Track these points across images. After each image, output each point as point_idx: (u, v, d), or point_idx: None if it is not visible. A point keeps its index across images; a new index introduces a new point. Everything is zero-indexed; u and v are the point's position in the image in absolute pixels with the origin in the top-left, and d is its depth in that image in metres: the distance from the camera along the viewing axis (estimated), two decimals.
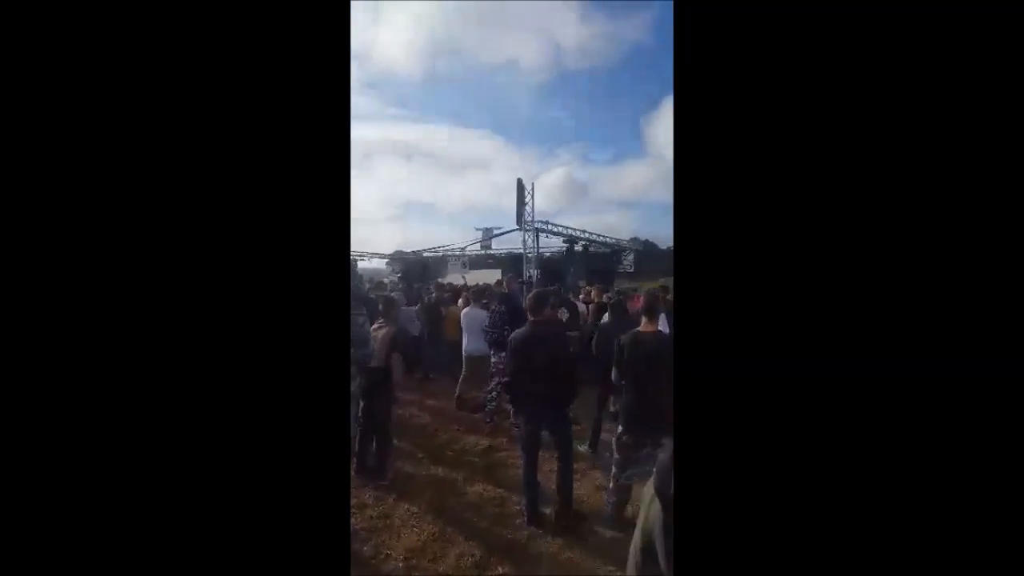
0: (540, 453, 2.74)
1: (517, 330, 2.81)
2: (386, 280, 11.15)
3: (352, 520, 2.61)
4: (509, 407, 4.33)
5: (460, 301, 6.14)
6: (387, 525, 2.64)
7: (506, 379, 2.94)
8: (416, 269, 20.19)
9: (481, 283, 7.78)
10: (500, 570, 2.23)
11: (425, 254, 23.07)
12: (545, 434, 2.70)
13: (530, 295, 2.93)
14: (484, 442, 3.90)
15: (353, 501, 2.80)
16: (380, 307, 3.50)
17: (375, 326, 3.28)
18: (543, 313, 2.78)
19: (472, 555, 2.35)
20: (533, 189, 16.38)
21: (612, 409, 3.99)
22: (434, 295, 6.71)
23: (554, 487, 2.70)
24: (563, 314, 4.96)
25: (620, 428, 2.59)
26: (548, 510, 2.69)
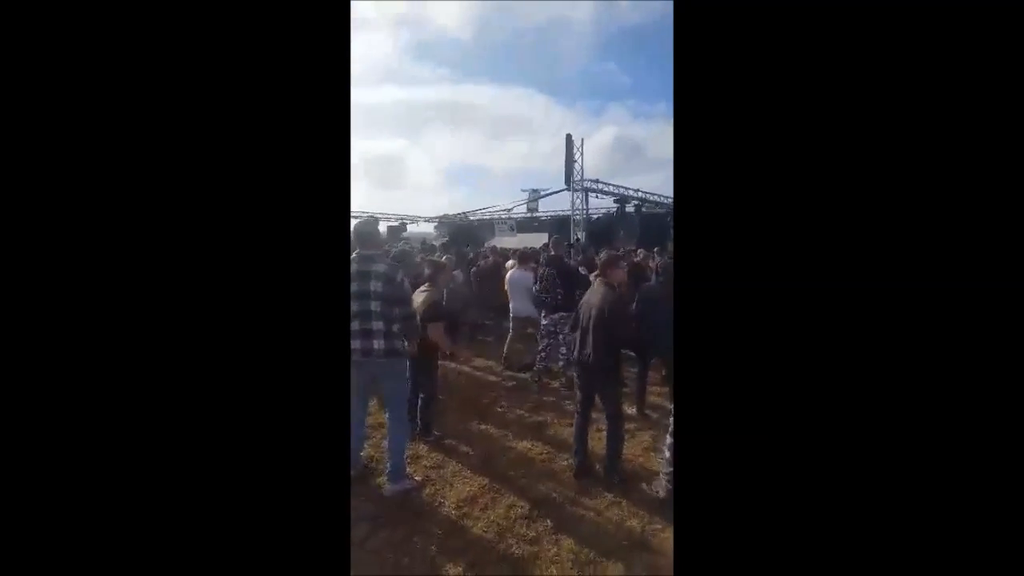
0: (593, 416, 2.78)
1: (587, 291, 2.79)
2: (436, 244, 11.28)
3: (408, 469, 2.77)
4: (556, 366, 4.42)
5: (508, 264, 6.15)
6: (440, 476, 2.79)
7: (571, 338, 2.95)
8: (462, 233, 20.34)
9: (526, 247, 7.72)
10: (548, 523, 2.31)
11: (471, 217, 23.16)
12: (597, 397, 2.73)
13: (603, 257, 2.90)
14: (531, 401, 3.98)
15: (408, 452, 2.97)
16: (426, 271, 3.52)
17: (420, 289, 3.28)
18: (613, 276, 2.74)
19: (521, 506, 2.45)
20: (583, 146, 15.83)
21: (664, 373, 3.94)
22: (490, 259, 6.75)
23: (603, 448, 2.73)
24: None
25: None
26: (598, 466, 2.75)
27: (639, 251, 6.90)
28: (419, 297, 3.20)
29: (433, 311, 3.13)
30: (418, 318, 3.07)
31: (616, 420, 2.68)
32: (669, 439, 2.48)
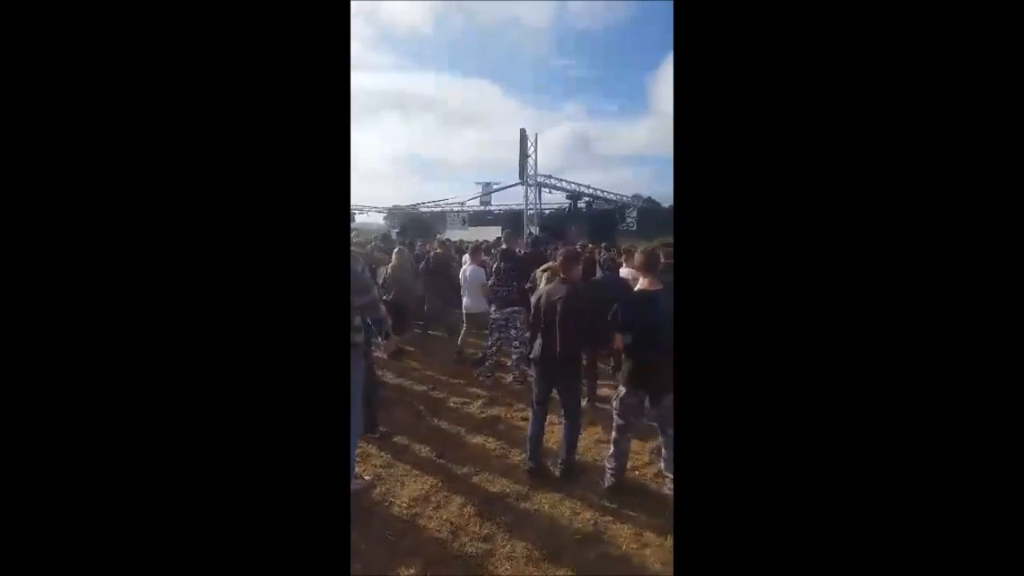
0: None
1: (546, 287, 2.76)
2: (393, 235, 10.91)
3: (357, 469, 2.66)
4: (508, 361, 4.42)
5: (465, 259, 6.07)
6: (391, 474, 2.70)
7: (527, 335, 2.91)
8: (413, 224, 19.93)
9: (479, 240, 7.64)
10: (502, 518, 2.30)
11: (423, 209, 22.74)
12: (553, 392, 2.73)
13: (561, 252, 2.88)
14: (483, 396, 3.96)
15: (357, 451, 2.85)
16: None
17: None
18: (573, 272, 2.72)
19: (474, 504, 2.42)
20: (536, 141, 15.92)
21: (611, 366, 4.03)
22: (439, 251, 6.60)
23: (556, 442, 2.74)
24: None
25: (622, 388, 2.54)
26: (549, 462, 2.75)
27: (589, 246, 7.04)
28: None
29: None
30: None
31: (575, 419, 2.70)
32: (613, 434, 2.55)
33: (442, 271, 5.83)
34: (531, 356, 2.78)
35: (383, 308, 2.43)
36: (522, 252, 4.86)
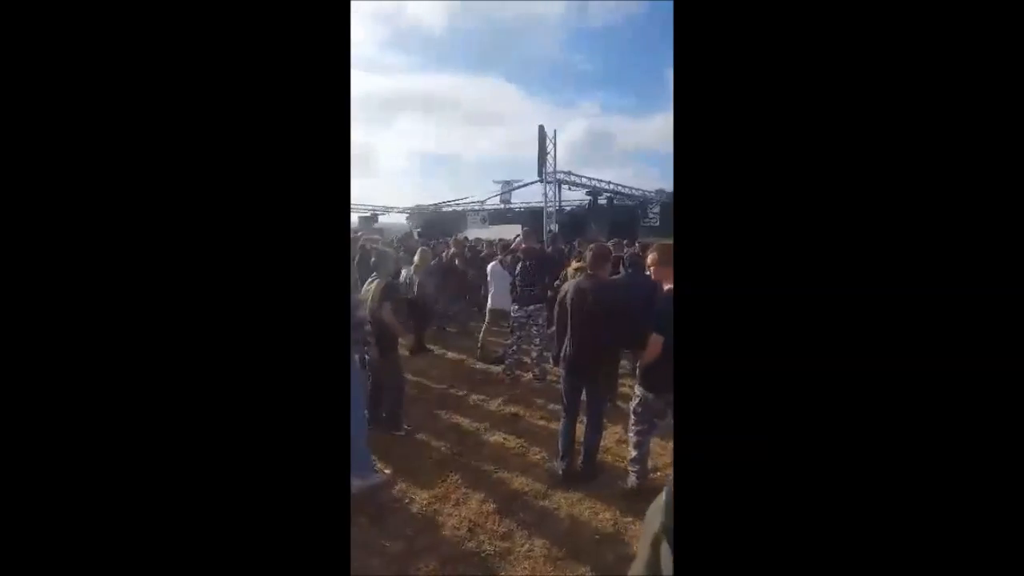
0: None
1: (572, 282, 2.71)
2: (415, 235, 11.05)
3: (377, 465, 2.69)
4: (528, 359, 4.40)
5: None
6: (411, 470, 2.72)
7: (550, 331, 2.87)
8: (435, 224, 20.13)
9: (501, 238, 7.71)
10: (521, 516, 2.28)
11: (444, 208, 22.90)
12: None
13: (591, 249, 2.83)
14: (504, 394, 3.95)
15: (378, 447, 2.88)
16: (372, 260, 3.40)
17: (368, 279, 3.18)
18: (603, 270, 2.67)
19: (493, 502, 2.41)
20: (555, 137, 15.80)
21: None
22: (452, 250, 6.65)
23: (578, 441, 2.71)
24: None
25: (647, 392, 2.42)
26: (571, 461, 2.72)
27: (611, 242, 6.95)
28: (370, 287, 3.10)
29: (385, 294, 3.03)
30: (367, 309, 2.97)
31: (599, 419, 2.66)
32: (633, 436, 2.48)
33: (450, 271, 5.87)
34: (561, 356, 2.72)
35: (360, 313, 2.45)
36: (540, 250, 4.86)
